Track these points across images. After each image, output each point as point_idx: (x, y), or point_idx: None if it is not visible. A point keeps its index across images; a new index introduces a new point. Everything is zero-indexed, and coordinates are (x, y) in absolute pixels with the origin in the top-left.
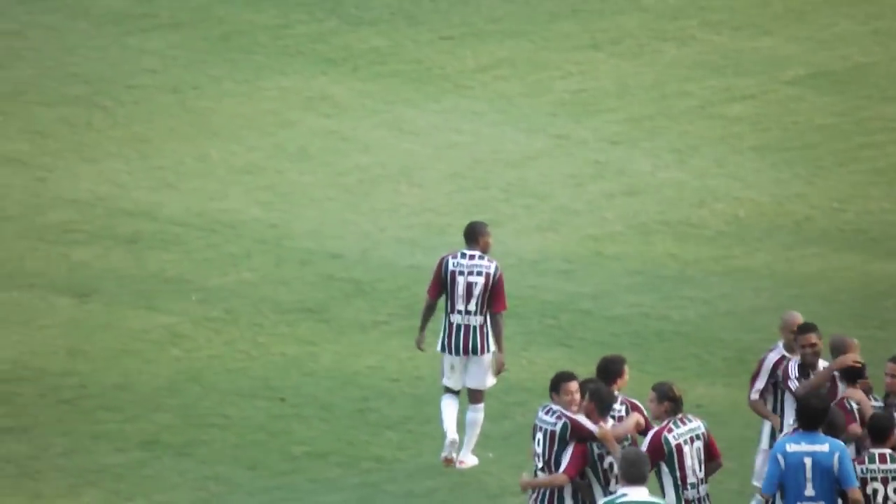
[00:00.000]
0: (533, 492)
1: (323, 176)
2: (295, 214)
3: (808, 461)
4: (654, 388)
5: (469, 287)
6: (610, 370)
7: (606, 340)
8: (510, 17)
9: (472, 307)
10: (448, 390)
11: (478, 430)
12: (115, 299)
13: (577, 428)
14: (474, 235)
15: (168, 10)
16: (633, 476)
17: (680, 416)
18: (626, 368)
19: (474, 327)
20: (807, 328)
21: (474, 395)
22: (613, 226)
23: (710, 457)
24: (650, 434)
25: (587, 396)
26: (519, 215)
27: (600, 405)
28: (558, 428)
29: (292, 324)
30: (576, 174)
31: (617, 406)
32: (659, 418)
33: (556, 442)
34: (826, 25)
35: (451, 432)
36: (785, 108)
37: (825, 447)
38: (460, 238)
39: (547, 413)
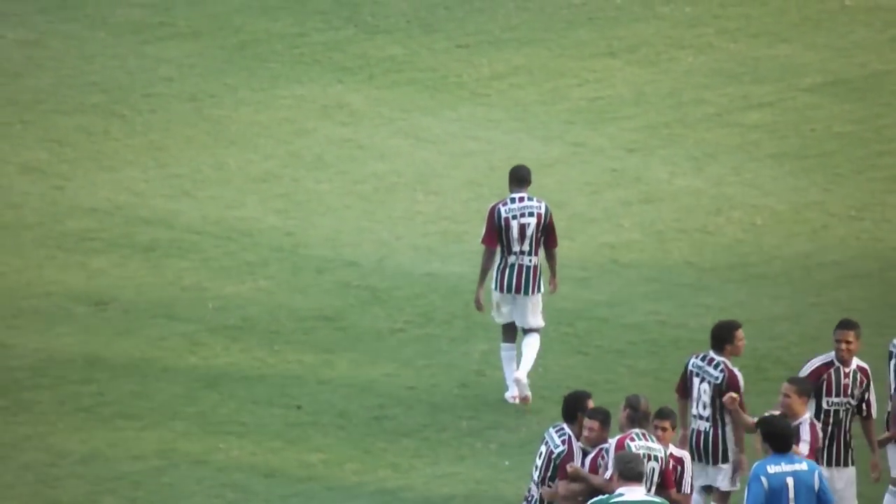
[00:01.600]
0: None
1: (339, 184)
2: (311, 222)
3: (790, 481)
4: (627, 397)
5: (522, 228)
6: (714, 335)
7: (623, 348)
8: (526, 25)
9: (525, 247)
10: (506, 338)
11: (534, 354)
12: (133, 307)
13: (567, 458)
14: (526, 178)
15: (185, 19)
16: (630, 474)
17: (643, 431)
18: (740, 334)
19: (528, 267)
20: (847, 325)
21: (528, 331)
22: (630, 233)
23: (664, 485)
24: (615, 439)
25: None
26: None
27: (604, 424)
28: (556, 451)
29: (309, 331)
30: (592, 182)
31: (715, 373)
32: (622, 426)
33: (550, 467)
34: (843, 33)
35: (513, 372)
36: (802, 115)
37: (804, 466)
38: (477, 246)
39: (557, 432)
